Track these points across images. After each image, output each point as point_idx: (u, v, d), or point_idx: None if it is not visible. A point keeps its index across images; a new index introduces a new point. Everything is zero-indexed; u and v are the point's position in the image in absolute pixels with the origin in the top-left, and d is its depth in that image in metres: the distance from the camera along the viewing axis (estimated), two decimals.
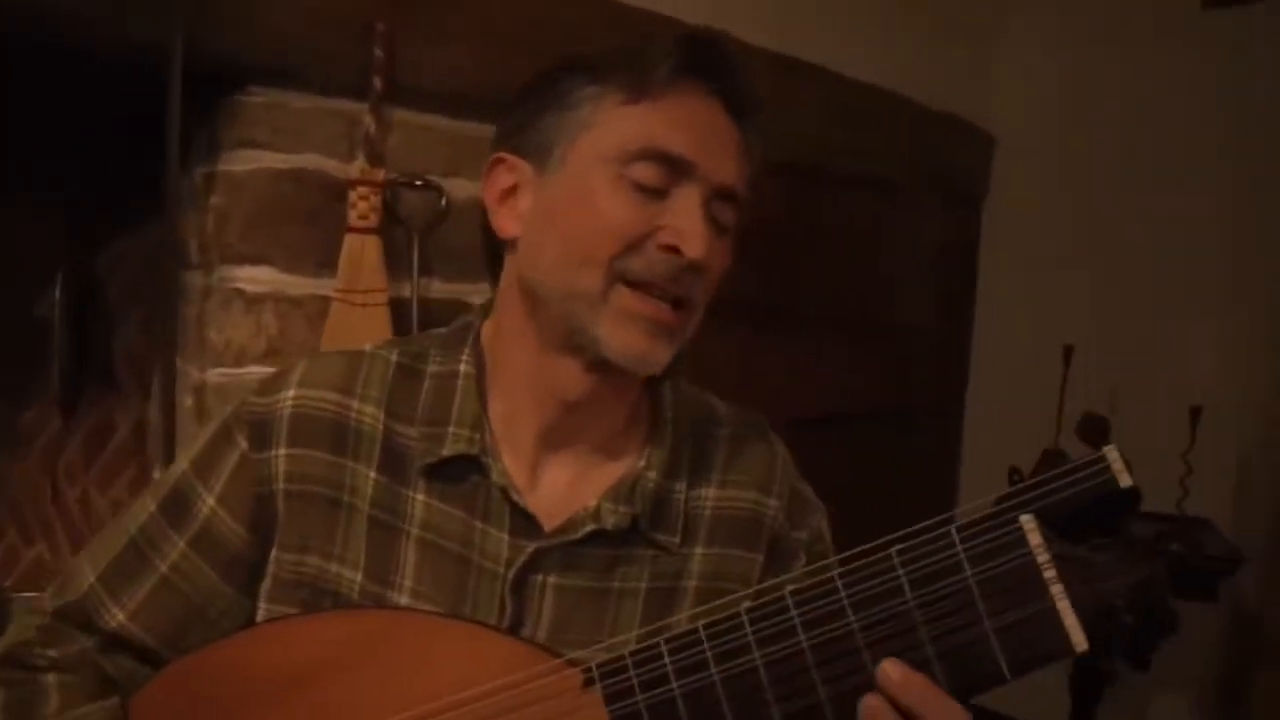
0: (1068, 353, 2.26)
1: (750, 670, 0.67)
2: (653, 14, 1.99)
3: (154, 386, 1.78)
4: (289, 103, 1.60)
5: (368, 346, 0.96)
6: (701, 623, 0.70)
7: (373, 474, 0.89)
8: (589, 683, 0.73)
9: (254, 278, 1.60)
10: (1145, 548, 0.60)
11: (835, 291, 2.48)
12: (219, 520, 0.91)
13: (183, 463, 0.94)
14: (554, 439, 0.91)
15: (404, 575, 0.87)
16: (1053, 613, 0.58)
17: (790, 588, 0.68)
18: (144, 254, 1.81)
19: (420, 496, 0.88)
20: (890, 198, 2.61)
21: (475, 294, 1.82)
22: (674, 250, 0.84)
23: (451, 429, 0.89)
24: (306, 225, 1.63)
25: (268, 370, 1.57)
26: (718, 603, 0.77)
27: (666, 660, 0.70)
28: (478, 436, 0.88)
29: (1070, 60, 2.66)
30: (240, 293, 1.59)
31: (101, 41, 1.43)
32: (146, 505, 0.94)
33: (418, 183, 1.72)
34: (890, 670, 0.62)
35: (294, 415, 0.90)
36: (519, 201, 0.91)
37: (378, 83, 1.63)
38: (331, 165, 1.64)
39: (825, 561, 0.74)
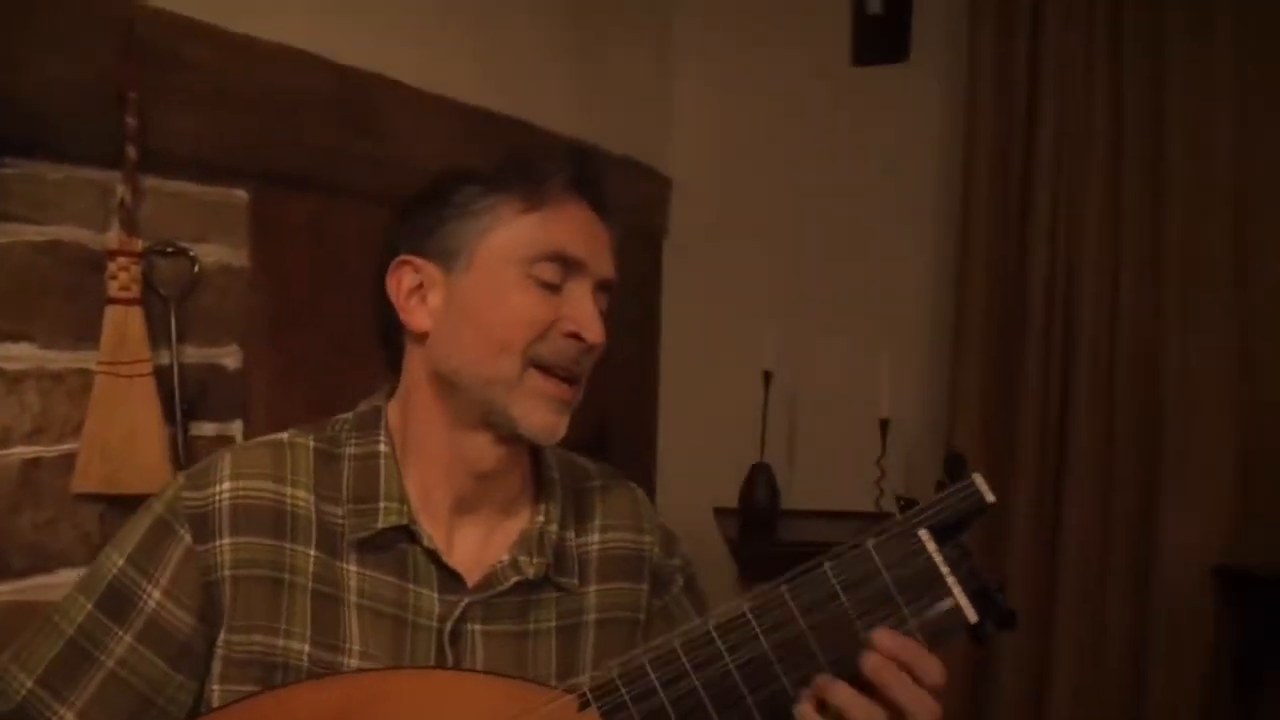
0: (767, 378, 2.78)
1: (725, 673, 0.92)
2: (380, 77, 2.27)
3: None
4: (43, 174, 1.73)
5: (284, 435, 1.15)
6: (677, 640, 0.94)
7: (312, 551, 1.08)
8: (584, 705, 0.94)
9: (13, 355, 1.71)
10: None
11: None
12: (166, 611, 1.05)
13: (115, 558, 1.07)
14: (465, 505, 1.14)
15: (351, 640, 1.06)
16: (951, 599, 0.92)
17: (747, 604, 0.94)
18: None
19: (354, 568, 1.08)
20: None
21: (226, 356, 2.01)
22: (576, 337, 1.09)
23: (382, 504, 1.09)
24: (65, 298, 1.76)
25: (34, 450, 1.72)
26: (657, 641, 0.99)
27: (651, 675, 0.93)
28: (405, 508, 1.09)
29: (735, 108, 3.22)
30: (0, 372, 1.69)
31: None
32: (80, 604, 1.06)
33: (169, 250, 1.88)
34: (883, 637, 0.91)
35: (233, 506, 1.07)
36: (428, 299, 1.12)
37: (131, 151, 1.79)
38: (86, 236, 1.78)
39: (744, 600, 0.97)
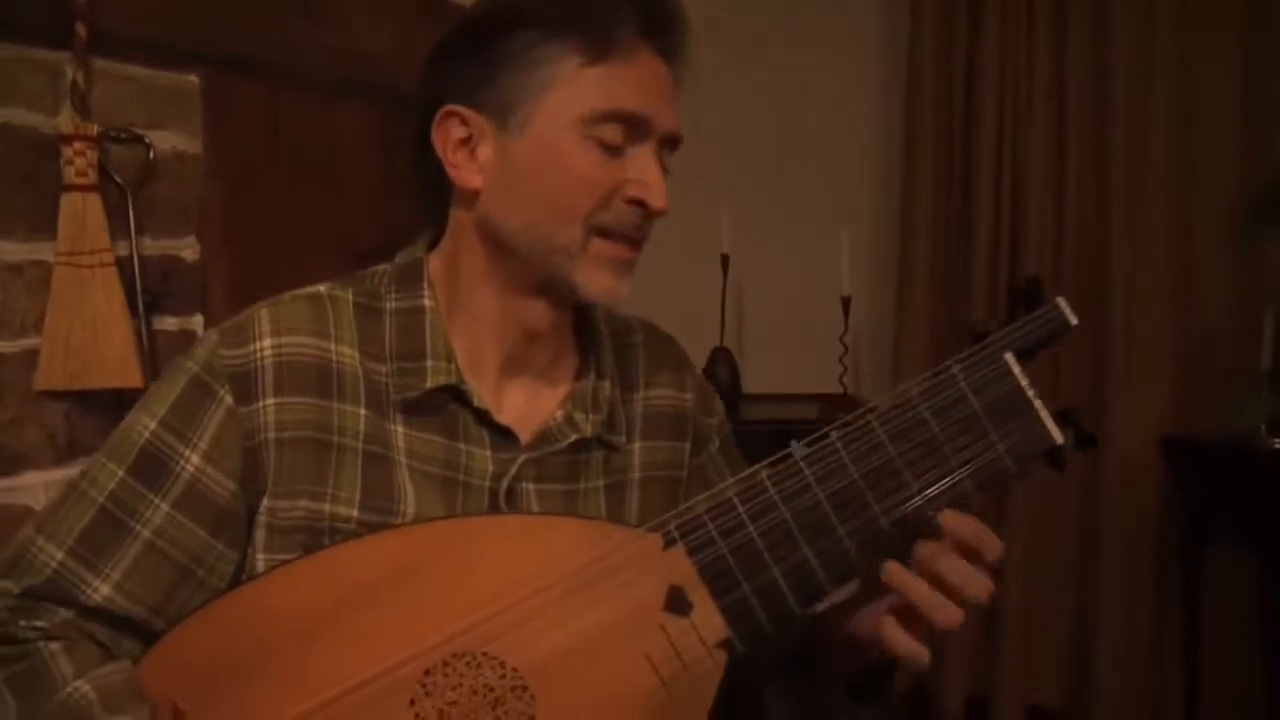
0: (724, 261, 2.77)
1: (814, 504, 0.91)
2: None
3: None
4: None
5: (321, 288, 1.08)
6: (764, 472, 0.92)
7: (361, 410, 1.02)
8: (670, 543, 0.92)
9: None
10: None
11: None
12: (205, 477, 0.99)
13: (146, 422, 1.00)
14: (514, 364, 1.08)
15: (405, 502, 1.01)
16: (1038, 420, 0.91)
17: (834, 431, 0.92)
18: None
19: (400, 428, 1.03)
20: None
21: (185, 249, 1.94)
22: (639, 203, 1.02)
23: (429, 362, 1.03)
24: (17, 186, 1.67)
25: None
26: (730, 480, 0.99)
27: (740, 508, 0.91)
28: (453, 367, 1.04)
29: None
30: None
31: None
32: (110, 471, 0.99)
33: (123, 136, 1.80)
34: (949, 518, 0.89)
35: (277, 363, 1.00)
36: (478, 154, 1.03)
37: (81, 29, 1.69)
38: (38, 120, 1.69)
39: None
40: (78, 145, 1.70)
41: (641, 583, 0.92)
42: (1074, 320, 0.95)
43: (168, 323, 1.90)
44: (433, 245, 1.13)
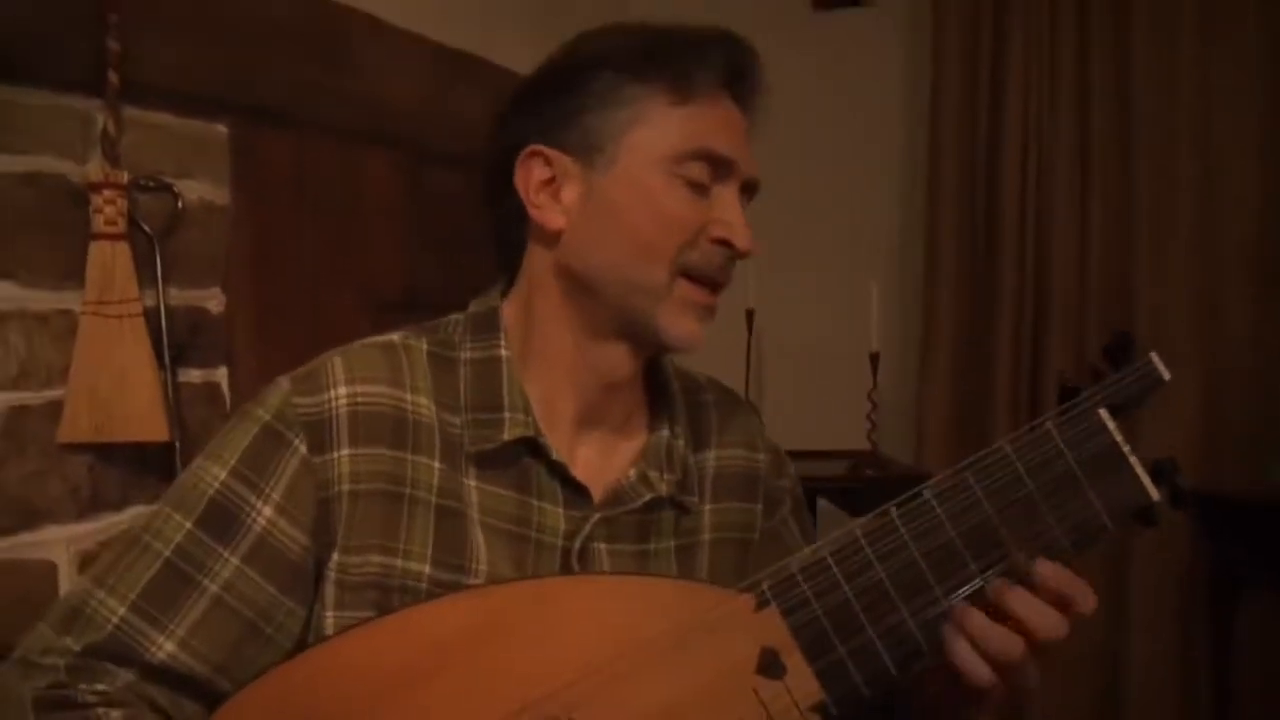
0: (750, 316, 2.75)
1: (910, 563, 0.89)
2: (352, 9, 2.17)
3: None
4: (21, 99, 1.61)
5: (395, 337, 1.06)
6: (859, 529, 0.90)
7: (436, 464, 1.00)
8: (763, 603, 0.89)
9: None
10: None
11: None
12: (278, 530, 0.96)
13: (215, 471, 0.97)
14: (589, 417, 1.06)
15: (478, 560, 0.99)
16: (1134, 476, 0.90)
17: (928, 489, 0.90)
18: None
19: (473, 482, 1.01)
20: None
21: (210, 299, 1.90)
22: (725, 243, 1.02)
23: (506, 414, 1.01)
24: (47, 234, 1.64)
25: (19, 397, 1.60)
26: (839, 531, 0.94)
27: (834, 568, 0.89)
28: (530, 419, 1.01)
29: None
30: None
31: None
32: (177, 522, 0.96)
33: (152, 185, 1.77)
34: (1043, 568, 0.87)
35: (352, 413, 0.98)
36: (562, 195, 1.03)
37: (113, 77, 1.68)
38: (68, 167, 1.67)
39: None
40: (108, 193, 1.67)
41: (733, 645, 0.89)
42: (1167, 375, 0.93)
43: (192, 375, 1.87)
44: (505, 291, 1.11)
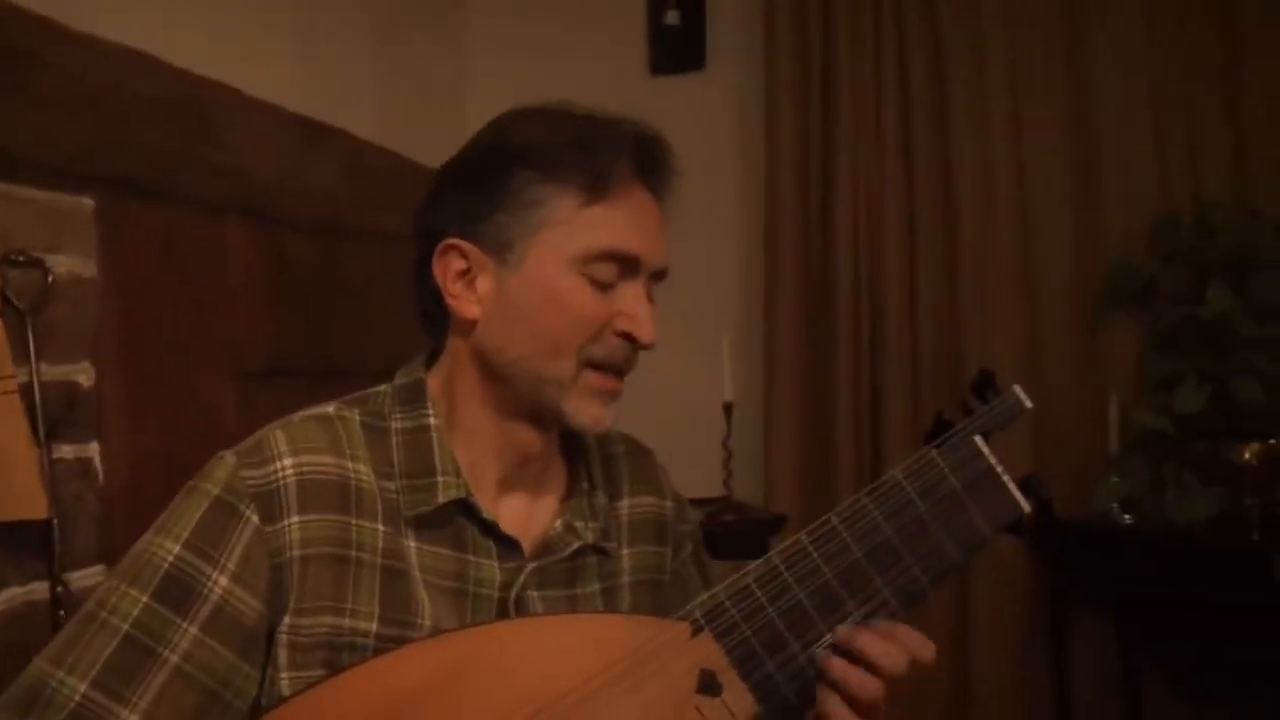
0: None
1: (825, 584, 0.98)
2: (213, 81, 2.19)
3: None
4: None
5: (329, 409, 1.10)
6: (776, 555, 0.99)
7: (380, 526, 1.04)
8: (697, 630, 0.97)
9: None
10: None
11: (366, 341, 2.77)
12: (234, 598, 0.98)
13: (169, 546, 0.99)
14: (511, 480, 1.12)
15: (423, 615, 1.03)
16: (1008, 493, 1.01)
17: (835, 516, 1.00)
18: None
19: (412, 543, 1.05)
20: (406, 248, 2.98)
21: (80, 374, 1.89)
22: (628, 337, 1.07)
23: (440, 478, 1.06)
24: None
25: None
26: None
27: (757, 593, 0.97)
28: (462, 482, 1.07)
29: None
30: None
31: None
32: (133, 597, 0.97)
33: (22, 260, 1.76)
34: (842, 631, 0.97)
35: (300, 483, 1.02)
36: (476, 286, 1.08)
37: None
38: None
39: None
40: None
41: (674, 668, 0.96)
42: (1029, 404, 1.05)
43: (64, 450, 1.84)
44: (429, 361, 1.16)
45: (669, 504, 1.26)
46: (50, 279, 1.81)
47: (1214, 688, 2.75)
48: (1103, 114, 2.83)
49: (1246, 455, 2.49)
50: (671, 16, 3.20)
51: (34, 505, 1.70)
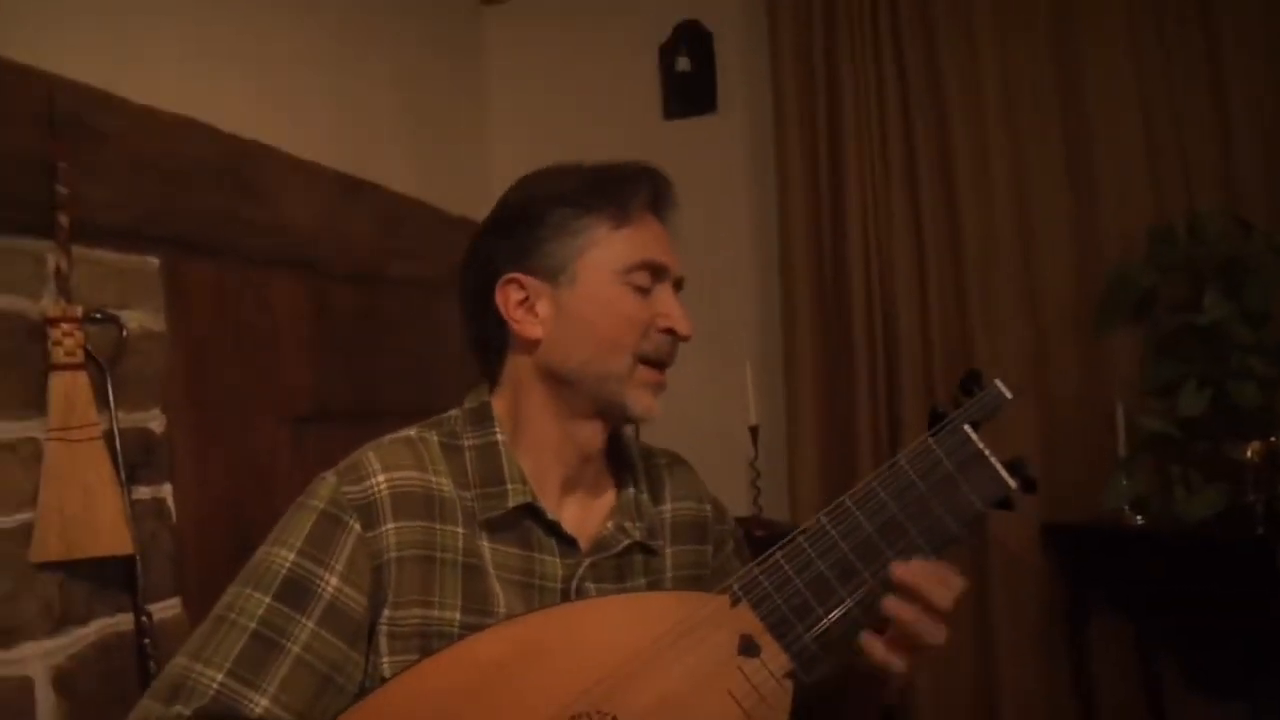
0: None
1: (842, 557, 1.13)
2: (257, 144, 2.37)
3: None
4: None
5: (412, 432, 1.27)
6: (801, 535, 1.14)
7: (460, 530, 1.21)
8: (735, 601, 1.12)
9: None
10: None
11: (403, 382, 2.93)
12: (343, 595, 1.14)
13: (285, 554, 1.15)
14: (571, 483, 1.29)
15: (498, 605, 1.19)
16: (995, 472, 1.14)
17: (847, 497, 1.14)
18: None
19: (486, 544, 1.22)
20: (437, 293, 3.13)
21: (152, 420, 2.05)
22: (670, 331, 1.26)
23: (509, 486, 1.23)
24: (7, 368, 1.77)
25: None
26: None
27: (785, 566, 1.13)
28: (528, 488, 1.24)
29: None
30: None
31: None
32: (257, 599, 1.13)
33: (99, 316, 1.92)
34: (897, 568, 1.11)
35: (393, 494, 1.19)
36: (537, 310, 1.25)
37: (63, 219, 1.84)
38: (24, 304, 1.81)
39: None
40: (65, 327, 1.82)
41: (718, 636, 1.12)
42: (1010, 395, 1.21)
43: (142, 491, 2.01)
44: (491, 390, 1.33)
45: (708, 507, 1.43)
46: (125, 333, 1.98)
47: (1232, 683, 2.85)
48: (1096, 131, 2.98)
49: (1248, 453, 2.61)
50: (682, 63, 3.38)
51: (121, 542, 1.86)
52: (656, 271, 1.27)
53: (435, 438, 1.27)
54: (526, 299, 1.26)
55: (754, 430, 2.99)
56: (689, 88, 3.40)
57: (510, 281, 1.26)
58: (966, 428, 1.18)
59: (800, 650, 1.13)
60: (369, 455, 1.22)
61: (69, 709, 1.80)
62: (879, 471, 1.18)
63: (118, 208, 1.99)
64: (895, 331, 3.06)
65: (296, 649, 1.12)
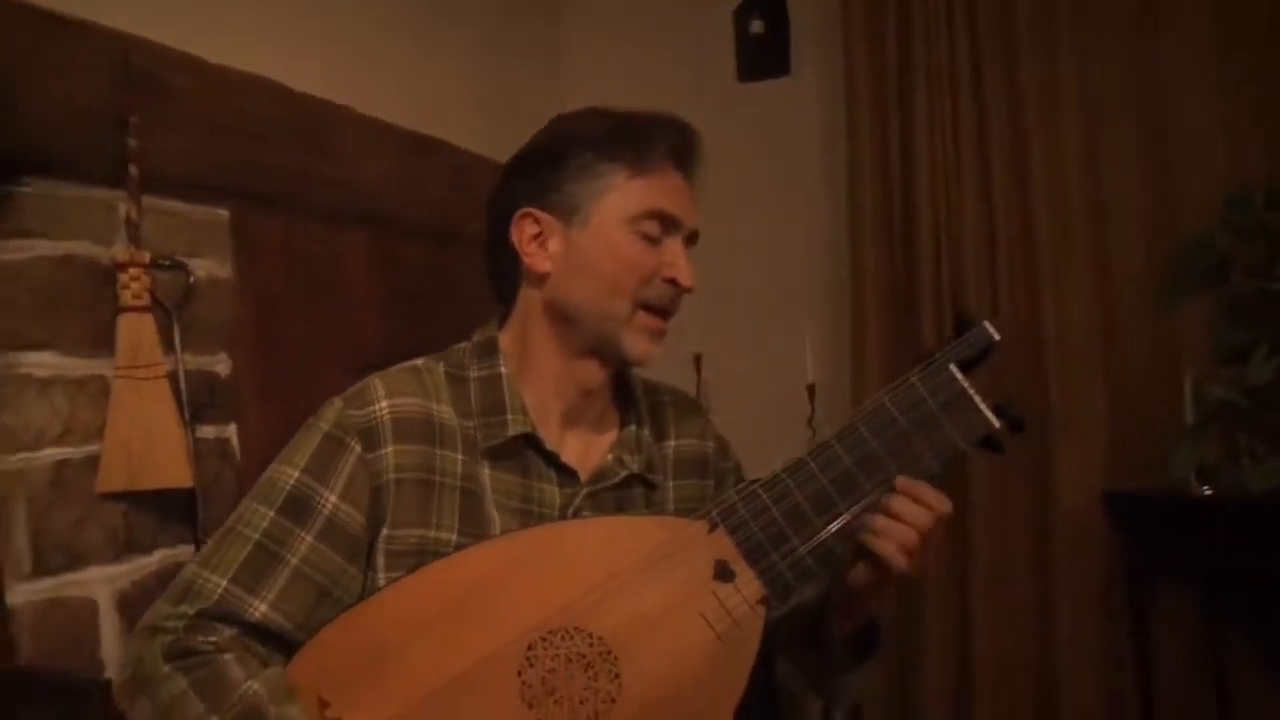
0: (698, 360, 3.03)
1: (820, 489, 1.16)
2: (330, 103, 2.45)
3: None
4: (56, 192, 1.87)
5: (419, 362, 1.34)
6: (779, 467, 1.18)
7: (459, 455, 1.26)
8: (713, 526, 1.17)
9: (40, 363, 1.84)
10: None
11: (468, 337, 3.01)
12: (341, 513, 1.21)
13: (290, 472, 1.23)
14: (572, 417, 1.34)
15: (494, 529, 1.25)
16: (979, 411, 1.17)
17: (830, 434, 1.18)
18: None
19: (486, 470, 1.27)
20: None
21: (218, 364, 2.16)
22: (673, 282, 1.30)
23: (509, 416, 1.28)
24: (80, 309, 1.89)
25: (63, 452, 1.84)
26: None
27: (763, 495, 1.17)
28: (528, 419, 1.29)
29: None
30: (30, 378, 1.81)
31: None
32: (262, 513, 1.21)
33: (168, 263, 2.03)
34: (900, 481, 1.17)
35: (394, 419, 1.25)
36: (548, 246, 1.30)
37: (134, 171, 1.94)
38: (97, 250, 1.92)
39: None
40: (133, 271, 1.93)
41: (694, 559, 1.17)
42: (997, 336, 1.22)
43: (206, 431, 2.11)
44: (500, 325, 1.39)
45: (710, 444, 1.47)
46: (191, 280, 2.09)
47: None
48: (1171, 101, 2.91)
49: None
50: (756, 25, 3.38)
51: (181, 476, 1.97)
52: (667, 222, 1.30)
53: (442, 368, 1.33)
54: (540, 234, 1.31)
55: (811, 389, 3.00)
56: (762, 50, 3.40)
57: (526, 216, 1.31)
58: (951, 367, 1.20)
59: (774, 578, 1.16)
60: (375, 382, 1.29)
61: (130, 630, 1.92)
62: (862, 408, 1.20)
63: (188, 161, 2.09)
64: (963, 294, 3.03)
65: (295, 560, 1.19)
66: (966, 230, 3.04)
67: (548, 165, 1.32)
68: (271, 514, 1.21)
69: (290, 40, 2.43)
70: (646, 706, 1.13)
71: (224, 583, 1.18)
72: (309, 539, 1.21)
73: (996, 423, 1.19)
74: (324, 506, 1.22)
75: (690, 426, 1.47)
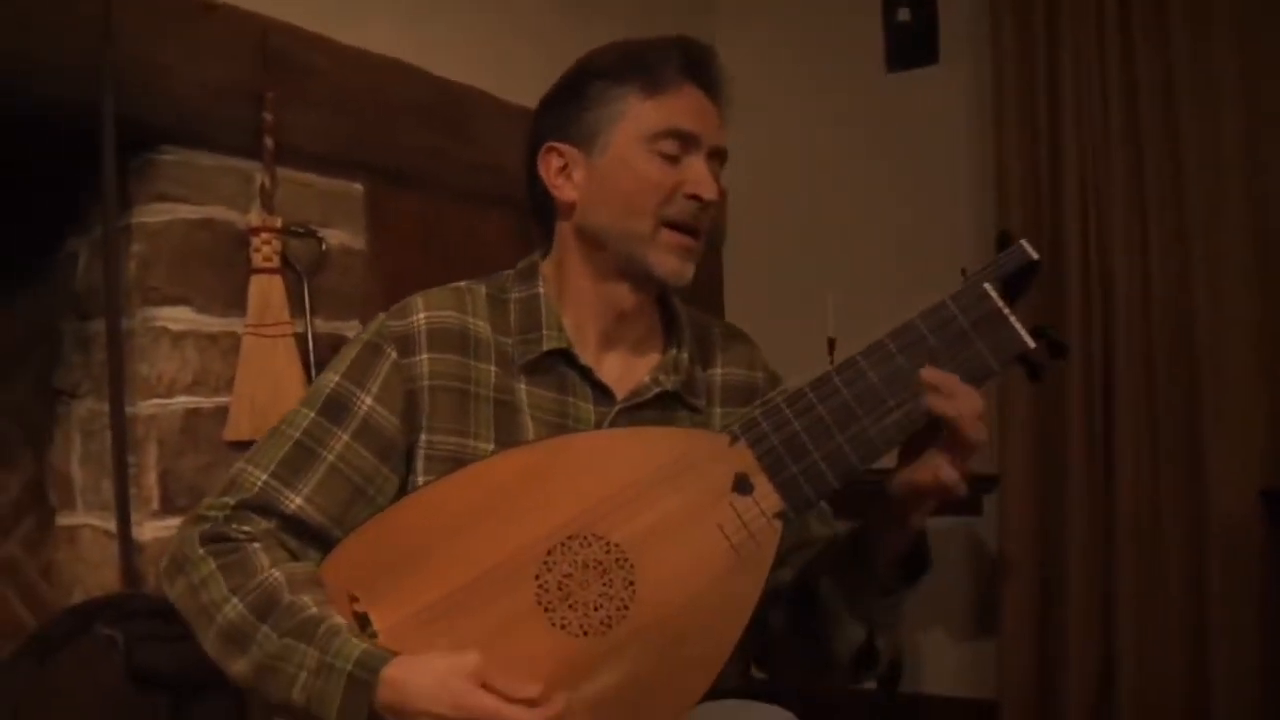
0: (831, 344, 3.00)
1: (844, 403, 1.14)
2: (470, 88, 2.55)
3: (56, 435, 2.07)
4: (197, 161, 2.00)
5: (462, 284, 1.36)
6: (805, 384, 1.16)
7: (492, 368, 1.30)
8: (734, 439, 1.16)
9: (175, 317, 1.97)
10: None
11: None
12: (376, 414, 1.26)
13: (331, 377, 1.28)
14: (609, 340, 1.35)
15: (529, 438, 1.27)
16: (1013, 330, 1.12)
17: (859, 352, 1.15)
18: (25, 311, 2.09)
19: (523, 385, 1.30)
20: None
21: (348, 329, 2.25)
22: (695, 197, 1.29)
23: (545, 332, 1.31)
24: (216, 269, 2.01)
25: (194, 401, 1.95)
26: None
27: (786, 410, 1.15)
28: (563, 336, 1.32)
29: (781, 121, 3.47)
30: (166, 331, 1.94)
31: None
32: (305, 414, 1.27)
33: (301, 231, 2.14)
34: (926, 373, 1.12)
35: (430, 329, 1.29)
36: (573, 176, 1.33)
37: (269, 142, 2.06)
38: (233, 215, 2.04)
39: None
40: (265, 235, 2.04)
41: (713, 471, 1.15)
42: (1035, 255, 1.16)
43: None
44: (544, 254, 1.42)
45: (759, 374, 1.45)
46: (324, 248, 2.19)
47: None
48: None
49: None
50: (903, 14, 3.33)
51: None
52: (685, 139, 1.30)
53: (484, 289, 1.36)
54: (565, 166, 1.33)
55: (831, 342, 3.01)
56: (910, 39, 3.34)
57: (550, 150, 1.33)
58: (986, 286, 1.15)
59: (792, 490, 1.14)
60: (417, 298, 1.32)
61: None
62: (894, 329, 1.17)
63: (322, 136, 2.20)
64: (1112, 295, 2.91)
65: (331, 457, 1.24)
66: (1116, 220, 2.91)
67: (567, 99, 1.35)
68: (312, 415, 1.27)
69: (432, 28, 2.53)
70: (659, 615, 1.12)
71: (264, 476, 1.24)
72: (345, 437, 1.25)
73: (1032, 343, 1.14)
74: (360, 407, 1.26)
75: (738, 355, 1.46)
